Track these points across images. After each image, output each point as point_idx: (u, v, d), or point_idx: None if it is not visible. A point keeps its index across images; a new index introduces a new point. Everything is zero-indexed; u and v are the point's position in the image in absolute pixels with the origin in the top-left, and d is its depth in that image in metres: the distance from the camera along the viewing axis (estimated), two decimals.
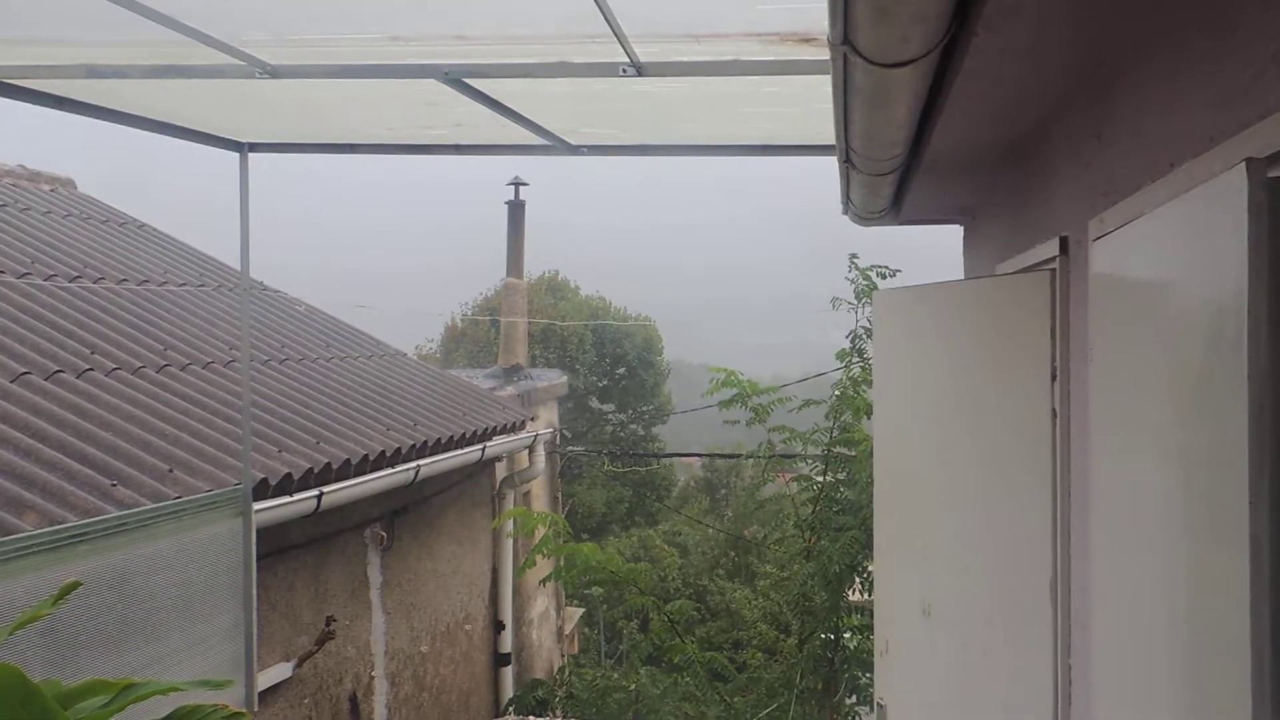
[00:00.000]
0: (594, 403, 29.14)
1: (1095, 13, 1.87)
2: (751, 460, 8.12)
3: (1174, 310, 1.72)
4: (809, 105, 3.44)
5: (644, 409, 29.46)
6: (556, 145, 4.20)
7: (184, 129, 4.34)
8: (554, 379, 12.97)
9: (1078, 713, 2.77)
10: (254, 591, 4.66)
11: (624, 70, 2.92)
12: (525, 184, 13.52)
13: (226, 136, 4.54)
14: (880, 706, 3.81)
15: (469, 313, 28.49)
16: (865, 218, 4.31)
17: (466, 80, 3.20)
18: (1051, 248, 2.86)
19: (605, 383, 29.34)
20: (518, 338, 13.05)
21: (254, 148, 4.68)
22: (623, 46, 2.73)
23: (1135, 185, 1.99)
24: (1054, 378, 2.99)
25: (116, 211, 10.13)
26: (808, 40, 2.62)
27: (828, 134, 3.94)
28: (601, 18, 2.50)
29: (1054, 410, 2.99)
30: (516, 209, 13.54)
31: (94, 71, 3.32)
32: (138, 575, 3.93)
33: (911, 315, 3.78)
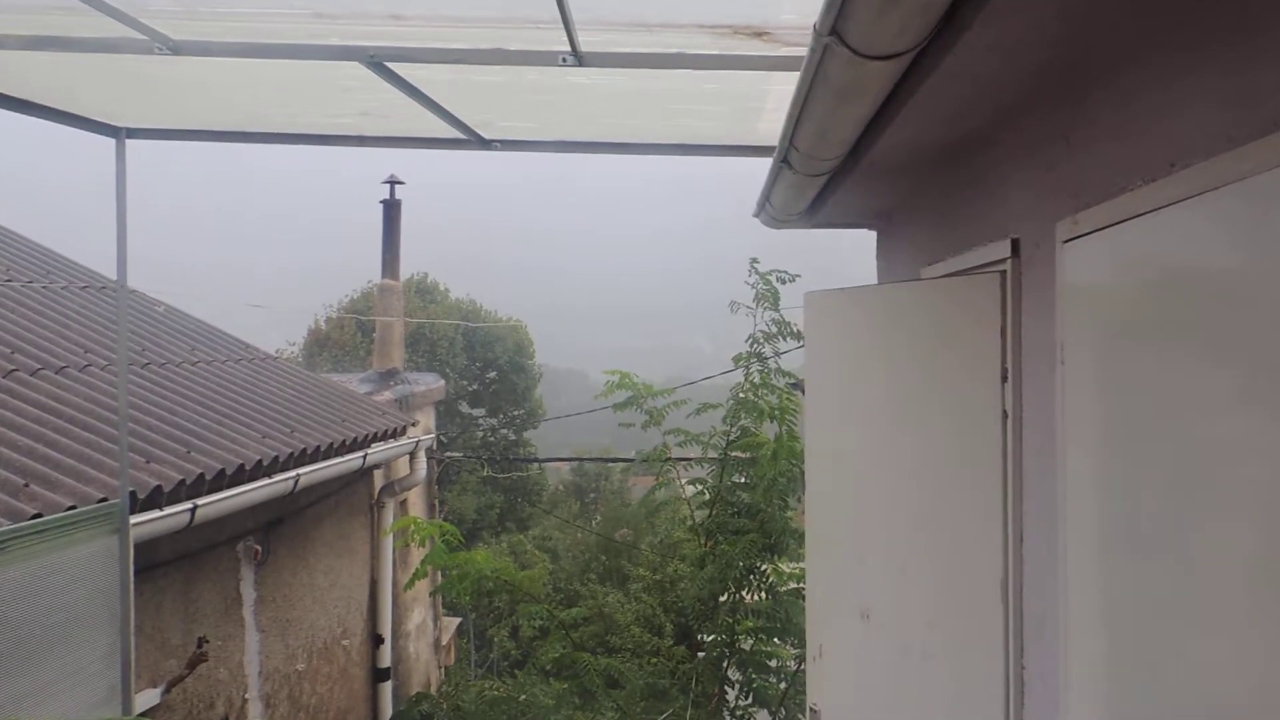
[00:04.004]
0: (464, 407, 28.65)
1: (1094, 11, 1.87)
2: (620, 464, 8.02)
3: (1203, 308, 1.70)
4: (741, 104, 3.41)
5: (515, 413, 29.13)
6: (470, 140, 4.03)
7: (53, 110, 3.94)
8: (431, 383, 12.59)
9: (1033, 715, 2.81)
10: (132, 615, 4.29)
11: (564, 60, 2.80)
12: (401, 183, 13.11)
13: (102, 120, 4.15)
14: (814, 712, 3.79)
15: (333, 314, 27.49)
16: (780, 220, 4.30)
17: (390, 64, 3.01)
18: (999, 250, 2.89)
19: (476, 387, 28.88)
20: (393, 340, 12.62)
21: (132, 133, 4.31)
22: (568, 33, 2.62)
23: (1120, 187, 2.01)
24: (1005, 379, 3.01)
25: None
26: (760, 34, 2.57)
27: (755, 135, 3.93)
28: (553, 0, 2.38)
29: (1005, 411, 3.01)
30: (392, 208, 13.10)
31: None
32: (1, 601, 3.54)
33: (845, 317, 3.78)
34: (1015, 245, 2.82)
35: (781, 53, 2.65)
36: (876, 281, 4.81)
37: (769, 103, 3.47)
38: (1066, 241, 2.27)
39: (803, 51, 2.63)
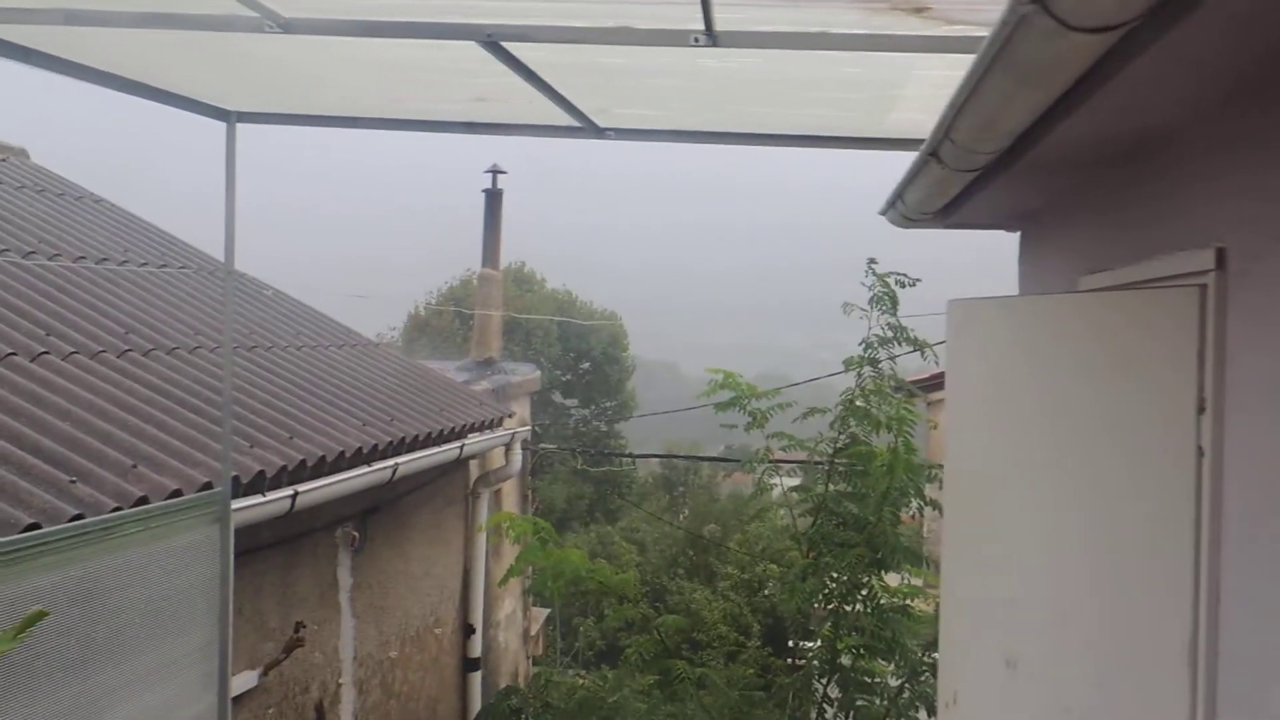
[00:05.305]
0: (557, 397, 28.80)
1: None
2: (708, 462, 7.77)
3: None
4: (881, 91, 3.13)
5: (607, 405, 29.19)
6: (584, 128, 3.83)
7: (166, 93, 3.88)
8: (528, 373, 12.55)
9: None
10: (230, 605, 4.24)
11: (696, 39, 2.57)
12: (503, 172, 13.09)
13: (213, 103, 4.09)
14: None
15: (433, 302, 27.91)
16: (911, 219, 3.99)
17: (507, 44, 2.82)
18: (1197, 260, 2.52)
19: (569, 377, 29.02)
20: (492, 330, 12.63)
21: (243, 117, 4.23)
22: (703, 9, 2.38)
23: None
24: (1201, 410, 2.62)
25: (72, 184, 9.54)
26: (919, 10, 2.29)
27: (882, 127, 3.64)
28: None
29: (1200, 448, 2.62)
30: (494, 198, 13.10)
31: (73, 17, 2.88)
32: (103, 590, 3.49)
33: (994, 330, 3.42)
34: (1220, 255, 2.44)
35: (941, 32, 2.37)
36: (1018, 291, 4.42)
37: (909, 90, 3.18)
38: None
39: (968, 30, 2.35)
